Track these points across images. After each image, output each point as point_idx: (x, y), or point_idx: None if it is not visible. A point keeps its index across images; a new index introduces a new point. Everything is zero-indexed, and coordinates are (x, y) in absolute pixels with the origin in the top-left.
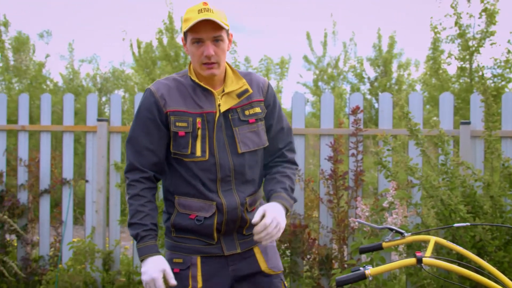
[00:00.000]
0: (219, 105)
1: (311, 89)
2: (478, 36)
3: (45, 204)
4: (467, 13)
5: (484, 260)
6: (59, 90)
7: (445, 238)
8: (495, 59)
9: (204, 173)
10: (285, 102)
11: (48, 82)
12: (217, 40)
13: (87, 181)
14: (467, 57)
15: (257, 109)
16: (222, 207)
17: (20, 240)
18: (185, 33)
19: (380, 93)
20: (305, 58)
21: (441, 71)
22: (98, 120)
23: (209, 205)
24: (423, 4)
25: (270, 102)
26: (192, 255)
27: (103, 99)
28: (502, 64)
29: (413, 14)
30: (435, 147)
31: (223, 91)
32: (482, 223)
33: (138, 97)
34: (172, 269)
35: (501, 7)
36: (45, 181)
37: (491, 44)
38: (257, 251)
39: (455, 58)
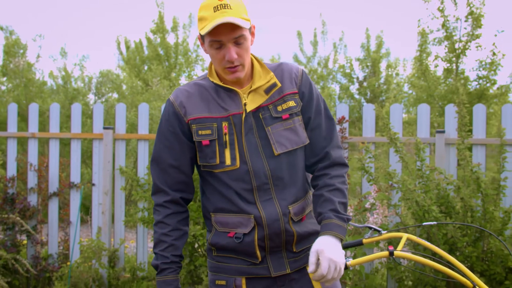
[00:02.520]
0: (245, 105)
1: None
2: (464, 38)
3: (53, 206)
4: (454, 16)
5: (455, 254)
6: (53, 93)
7: (420, 235)
8: (481, 61)
9: (237, 183)
10: None
11: (44, 87)
12: (238, 41)
13: (93, 184)
14: (454, 59)
15: (291, 103)
16: (261, 220)
17: (30, 239)
18: (201, 34)
19: (364, 104)
20: (295, 57)
21: (428, 73)
22: (104, 128)
23: (247, 219)
24: (411, 3)
25: (306, 92)
26: (236, 276)
27: (98, 102)
28: (487, 66)
29: (401, 12)
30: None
31: (251, 87)
32: (448, 222)
33: (142, 107)
34: None
35: (487, 11)
36: (54, 185)
37: (477, 46)
38: None
39: (442, 60)
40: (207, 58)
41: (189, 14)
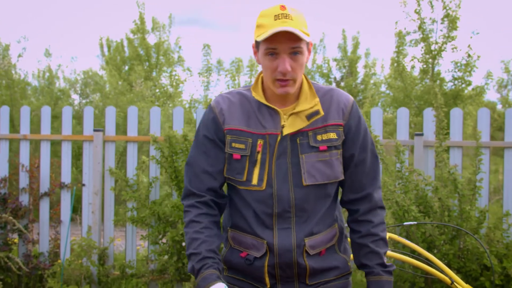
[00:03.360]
0: (282, 127)
1: None
2: (440, 40)
3: (45, 206)
4: (430, 18)
5: (433, 252)
6: (37, 94)
7: (400, 234)
8: (456, 63)
9: (259, 205)
10: None
11: (28, 87)
12: (295, 53)
13: (83, 185)
14: (430, 60)
15: (332, 135)
16: (273, 247)
17: (21, 238)
18: (258, 42)
19: None
20: None
21: (405, 74)
22: (95, 130)
23: (261, 244)
24: (391, 4)
25: (352, 127)
26: None
27: (83, 102)
28: (463, 67)
29: (380, 13)
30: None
31: (294, 109)
32: (427, 222)
33: (131, 110)
34: None
35: (462, 13)
36: (45, 185)
37: (453, 48)
38: None
39: (418, 61)
40: (188, 59)
41: (169, 14)
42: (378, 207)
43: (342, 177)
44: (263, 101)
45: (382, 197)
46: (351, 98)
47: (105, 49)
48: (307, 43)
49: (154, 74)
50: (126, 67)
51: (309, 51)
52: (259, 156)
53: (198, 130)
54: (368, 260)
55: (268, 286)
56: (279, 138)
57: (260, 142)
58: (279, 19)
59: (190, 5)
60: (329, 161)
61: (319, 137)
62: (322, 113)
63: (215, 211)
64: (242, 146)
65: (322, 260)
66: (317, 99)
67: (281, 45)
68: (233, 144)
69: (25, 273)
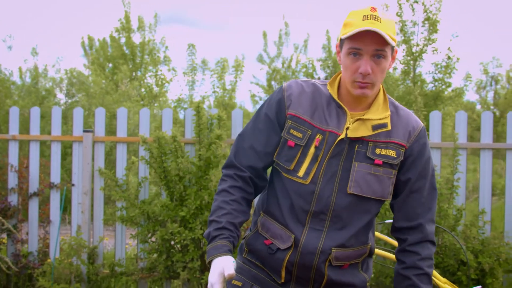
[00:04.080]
0: (346, 129)
1: (264, 88)
2: (421, 42)
3: (34, 206)
4: (411, 21)
5: None
6: (23, 93)
7: (381, 231)
8: (437, 64)
9: (298, 198)
10: (239, 101)
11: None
12: (378, 56)
13: (73, 185)
14: (411, 62)
15: (392, 153)
16: (299, 244)
17: (10, 238)
18: (342, 40)
19: None
20: (260, 57)
21: (387, 75)
22: (84, 131)
23: (288, 237)
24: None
25: (414, 151)
26: (255, 283)
27: (69, 101)
28: (443, 69)
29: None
30: None
31: (362, 116)
32: None
33: (120, 111)
34: None
35: (442, 16)
36: (34, 185)
37: (433, 50)
38: None
39: (400, 63)
40: (173, 58)
41: (154, 14)
42: (428, 241)
43: (388, 198)
44: (335, 97)
45: (433, 232)
46: (421, 123)
47: (88, 49)
48: (392, 49)
49: (139, 73)
50: (110, 65)
51: (393, 59)
52: (313, 150)
53: (262, 105)
54: None
55: (282, 280)
56: (339, 138)
57: (318, 136)
58: (368, 19)
59: (175, 4)
60: (380, 177)
61: (377, 151)
62: (389, 127)
63: (251, 189)
64: (299, 135)
65: (342, 274)
66: (389, 113)
67: (366, 46)
68: (291, 131)
69: (14, 273)
